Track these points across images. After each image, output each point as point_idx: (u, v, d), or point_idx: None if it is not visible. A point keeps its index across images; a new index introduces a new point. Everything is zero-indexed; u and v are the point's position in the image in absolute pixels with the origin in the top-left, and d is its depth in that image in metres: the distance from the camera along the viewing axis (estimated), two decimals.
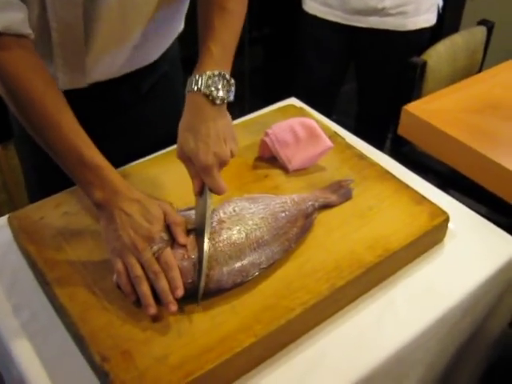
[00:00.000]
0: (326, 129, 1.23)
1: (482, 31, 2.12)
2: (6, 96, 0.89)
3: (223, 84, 0.92)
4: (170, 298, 0.83)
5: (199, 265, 0.86)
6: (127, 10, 1.00)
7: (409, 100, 1.75)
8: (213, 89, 0.91)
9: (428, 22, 1.98)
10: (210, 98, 0.91)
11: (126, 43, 1.08)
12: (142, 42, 1.10)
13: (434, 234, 1.03)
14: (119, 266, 0.86)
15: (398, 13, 1.90)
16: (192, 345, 0.80)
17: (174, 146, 1.19)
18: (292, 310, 0.85)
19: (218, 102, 0.91)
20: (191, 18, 1.15)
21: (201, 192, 0.94)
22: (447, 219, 1.04)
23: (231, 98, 0.93)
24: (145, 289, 0.84)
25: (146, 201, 0.89)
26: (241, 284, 0.88)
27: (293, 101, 1.40)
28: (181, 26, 1.23)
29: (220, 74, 0.92)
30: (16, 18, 0.85)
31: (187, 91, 0.93)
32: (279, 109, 1.34)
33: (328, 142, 1.13)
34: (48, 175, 1.16)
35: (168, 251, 0.86)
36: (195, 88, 0.91)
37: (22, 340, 0.88)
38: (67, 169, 0.90)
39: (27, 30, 0.88)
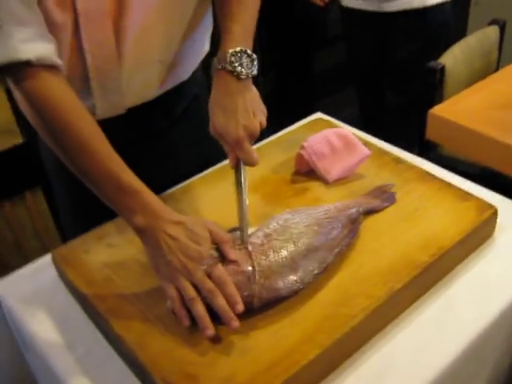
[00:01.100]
0: (358, 137, 1.22)
1: (494, 30, 2.11)
2: (40, 126, 0.89)
3: (246, 60, 0.95)
4: (231, 314, 0.81)
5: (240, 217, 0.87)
6: (155, 27, 1.01)
7: (431, 105, 1.74)
8: (236, 65, 0.94)
9: None
10: (234, 74, 0.94)
11: (156, 62, 1.09)
12: (171, 60, 1.12)
13: (483, 228, 1.01)
14: (171, 290, 0.84)
15: None
16: (257, 361, 0.78)
17: (209, 170, 1.20)
18: (354, 317, 0.83)
19: (242, 77, 0.95)
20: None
21: (236, 165, 0.97)
22: (495, 212, 1.01)
23: (255, 72, 0.97)
24: (201, 310, 0.82)
25: (190, 221, 0.88)
26: (297, 292, 0.86)
27: (319, 115, 1.39)
28: (207, 46, 1.24)
29: (242, 50, 0.95)
30: (47, 49, 0.86)
31: (213, 70, 0.97)
32: (308, 124, 1.33)
33: (365, 150, 1.12)
34: (85, 208, 1.16)
35: (219, 267, 0.84)
36: (219, 66, 0.95)
37: (78, 376, 0.87)
38: (105, 196, 0.89)
39: (58, 61, 0.88)
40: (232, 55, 0.94)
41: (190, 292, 0.82)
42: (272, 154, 1.21)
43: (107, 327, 0.86)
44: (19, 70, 0.85)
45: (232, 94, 0.94)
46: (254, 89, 0.99)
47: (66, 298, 0.99)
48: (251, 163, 0.95)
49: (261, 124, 0.97)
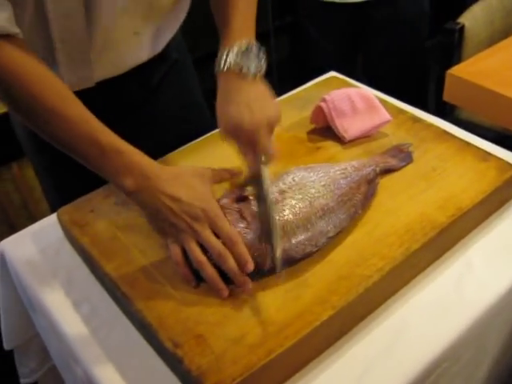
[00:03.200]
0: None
1: None
2: (5, 99, 0.84)
3: (253, 57, 0.88)
4: (242, 277, 0.78)
5: (268, 233, 0.80)
6: None
7: (449, 67, 1.68)
8: (243, 65, 0.87)
9: None
10: (241, 75, 0.87)
11: (132, 34, 1.01)
12: (149, 32, 1.04)
13: (504, 189, 0.97)
14: (176, 252, 0.81)
15: None
16: (268, 322, 0.75)
17: (199, 139, 1.15)
18: (369, 278, 0.80)
19: (250, 77, 0.87)
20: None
21: (255, 175, 0.87)
22: None
23: (263, 69, 0.89)
24: (212, 273, 0.78)
25: (187, 174, 0.83)
26: (310, 254, 0.83)
27: (332, 74, 1.34)
28: (186, 9, 1.12)
29: (247, 47, 0.88)
30: (2, 18, 0.79)
31: (217, 72, 0.89)
32: (322, 81, 1.28)
33: (387, 115, 1.08)
34: (67, 182, 1.13)
35: (227, 225, 0.80)
36: (225, 68, 0.88)
37: (84, 335, 0.85)
38: (88, 162, 0.83)
39: (15, 29, 0.81)
40: (237, 55, 0.87)
41: (199, 255, 0.79)
42: (284, 112, 1.15)
43: (113, 286, 0.84)
44: None
45: (242, 91, 0.87)
46: (264, 84, 0.90)
47: (72, 258, 0.97)
48: (272, 154, 0.87)
49: (273, 119, 0.89)
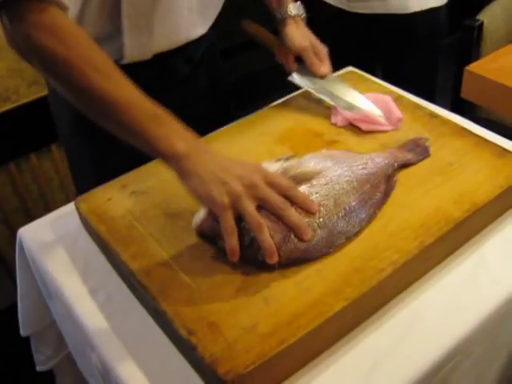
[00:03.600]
0: (390, 92, 1.18)
1: None
2: (49, 62, 0.83)
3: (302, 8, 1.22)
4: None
5: None
6: None
7: (468, 63, 1.67)
8: (300, 12, 1.21)
9: (437, 1, 1.73)
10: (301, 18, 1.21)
11: (185, 8, 1.08)
12: (198, 6, 1.11)
13: None
14: (226, 220, 0.79)
15: None
16: (281, 312, 0.76)
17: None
18: (382, 271, 0.80)
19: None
20: None
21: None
22: None
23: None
24: (267, 237, 0.78)
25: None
26: (327, 254, 0.83)
27: (350, 69, 1.34)
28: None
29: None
30: None
31: (284, 17, 1.19)
32: (340, 76, 1.28)
33: (399, 112, 1.09)
34: (106, 157, 1.15)
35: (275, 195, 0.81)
36: (292, 13, 1.20)
37: (100, 322, 0.86)
38: (134, 130, 0.82)
39: (67, 1, 0.84)
40: (298, 8, 1.21)
41: (259, 219, 0.78)
42: (301, 106, 1.17)
43: (129, 274, 0.85)
44: (24, 3, 0.80)
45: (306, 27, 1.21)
46: None
47: (89, 246, 0.98)
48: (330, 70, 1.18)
49: None
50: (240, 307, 0.77)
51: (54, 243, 1.00)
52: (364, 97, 1.12)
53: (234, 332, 0.74)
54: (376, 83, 1.25)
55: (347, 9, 1.80)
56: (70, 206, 1.03)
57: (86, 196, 0.99)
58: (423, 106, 1.15)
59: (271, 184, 0.81)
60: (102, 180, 1.02)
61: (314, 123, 1.12)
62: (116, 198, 0.98)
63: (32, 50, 0.83)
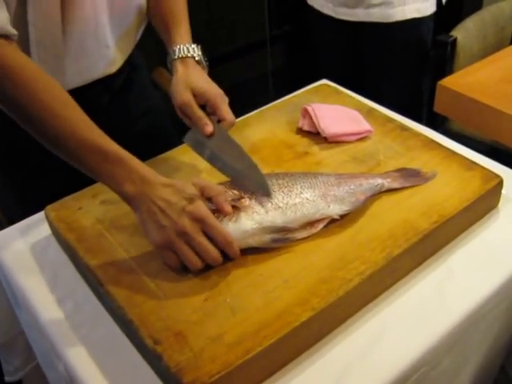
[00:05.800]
0: (362, 106, 1.20)
1: (510, 5, 2.06)
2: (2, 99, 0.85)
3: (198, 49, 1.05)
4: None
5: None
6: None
7: (441, 78, 1.69)
8: (194, 53, 1.04)
9: (419, 11, 1.75)
10: (195, 60, 1.03)
11: (103, 44, 1.07)
12: (123, 46, 1.12)
13: (488, 198, 0.98)
14: (170, 258, 0.83)
15: (382, 3, 1.73)
16: (247, 322, 0.76)
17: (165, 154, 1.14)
18: (349, 281, 0.80)
19: (202, 64, 1.05)
20: None
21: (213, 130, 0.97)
22: (501, 183, 0.98)
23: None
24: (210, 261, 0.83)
25: (179, 183, 0.85)
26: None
27: (324, 81, 1.35)
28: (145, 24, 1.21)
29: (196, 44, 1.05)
30: (2, 18, 0.81)
31: (173, 59, 1.04)
32: (313, 89, 1.30)
33: (368, 126, 1.11)
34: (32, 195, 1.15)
35: (218, 224, 0.83)
36: (180, 55, 1.03)
37: (67, 331, 0.85)
38: (87, 167, 0.85)
39: (13, 31, 0.83)
40: (193, 48, 1.04)
41: (195, 260, 0.82)
42: (274, 117, 1.18)
43: (97, 283, 0.84)
44: None
45: (200, 71, 1.03)
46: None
47: (59, 255, 0.97)
48: (232, 118, 0.98)
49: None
50: (207, 316, 0.77)
51: (23, 251, 0.99)
52: (251, 159, 0.97)
53: (201, 341, 0.74)
54: (349, 96, 1.26)
55: (335, 16, 1.85)
56: (41, 215, 1.03)
57: (56, 205, 0.99)
58: (394, 118, 1.17)
59: (197, 220, 0.82)
60: (26, 210, 1.05)
61: (287, 135, 1.13)
62: (87, 207, 0.98)
63: None
